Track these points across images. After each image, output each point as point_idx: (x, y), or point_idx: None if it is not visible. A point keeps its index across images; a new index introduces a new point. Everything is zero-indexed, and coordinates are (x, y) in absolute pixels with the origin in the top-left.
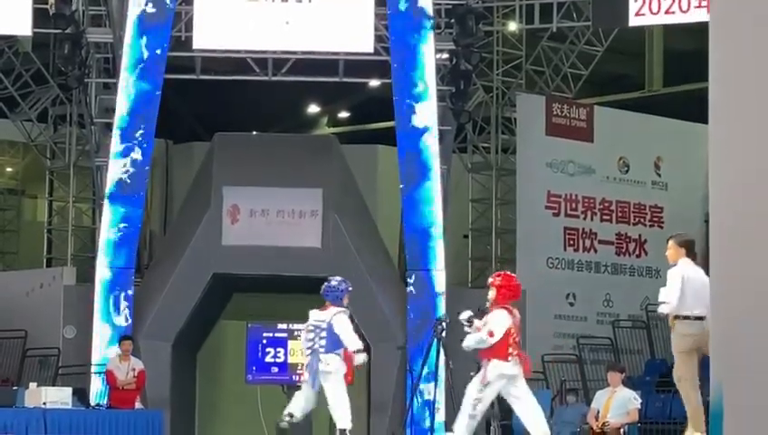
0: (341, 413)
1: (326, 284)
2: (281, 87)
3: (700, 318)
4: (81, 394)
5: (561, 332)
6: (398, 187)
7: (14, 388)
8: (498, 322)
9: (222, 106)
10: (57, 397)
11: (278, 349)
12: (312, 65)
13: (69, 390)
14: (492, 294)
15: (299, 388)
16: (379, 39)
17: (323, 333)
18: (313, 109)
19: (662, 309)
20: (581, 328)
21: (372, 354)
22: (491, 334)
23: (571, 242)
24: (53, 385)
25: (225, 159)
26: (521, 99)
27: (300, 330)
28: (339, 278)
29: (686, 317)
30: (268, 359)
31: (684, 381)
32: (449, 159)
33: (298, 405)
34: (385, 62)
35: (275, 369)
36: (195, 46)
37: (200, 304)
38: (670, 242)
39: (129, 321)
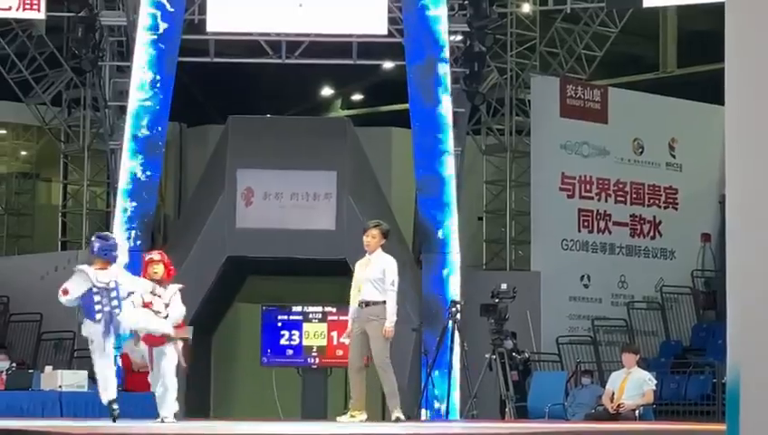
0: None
1: (101, 241)
2: (294, 70)
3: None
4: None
5: (576, 313)
6: (412, 169)
7: (30, 371)
8: None
9: (236, 89)
10: (73, 380)
11: (293, 332)
12: (325, 48)
13: (84, 373)
14: None
15: (314, 370)
16: (392, 21)
17: (113, 293)
18: (327, 91)
19: None
20: (596, 310)
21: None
22: None
23: (586, 224)
24: (69, 368)
25: (240, 142)
26: (535, 80)
27: (314, 313)
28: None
29: None
30: (283, 341)
31: None
32: (463, 140)
33: None
34: (398, 44)
35: (290, 351)
36: (208, 29)
37: (215, 287)
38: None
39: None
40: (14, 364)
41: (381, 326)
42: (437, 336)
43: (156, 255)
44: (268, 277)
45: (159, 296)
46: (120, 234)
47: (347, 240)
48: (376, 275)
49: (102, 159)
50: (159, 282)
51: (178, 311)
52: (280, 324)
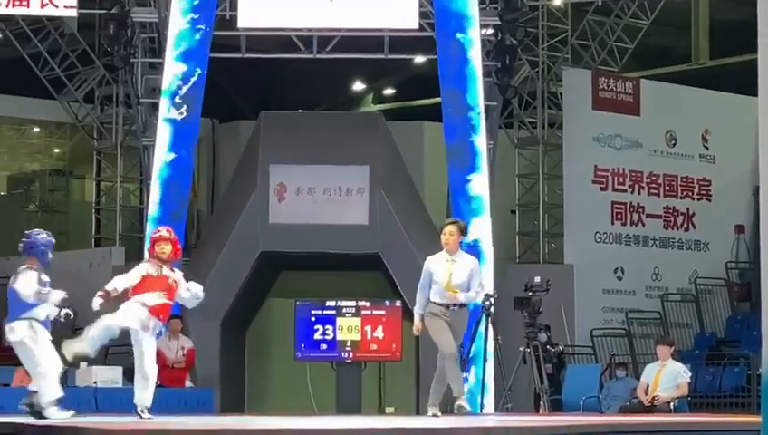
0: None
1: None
2: (326, 65)
3: None
4: (131, 373)
5: (610, 306)
6: (444, 162)
7: (66, 367)
8: None
9: (267, 84)
10: (107, 376)
11: (326, 326)
12: (356, 42)
13: (119, 369)
14: None
15: (348, 364)
16: (423, 15)
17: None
18: (359, 86)
19: None
20: (630, 302)
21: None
22: None
23: (619, 216)
24: (104, 365)
25: (272, 138)
26: (567, 73)
27: (348, 307)
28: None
29: None
30: (317, 336)
31: None
32: (496, 134)
33: None
34: (430, 38)
35: (324, 346)
36: (239, 25)
37: (248, 282)
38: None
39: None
40: None
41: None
42: (471, 330)
43: (164, 231)
44: (301, 272)
45: (170, 273)
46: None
47: (380, 235)
48: (463, 278)
49: (135, 156)
50: (165, 261)
51: (198, 286)
52: (314, 319)
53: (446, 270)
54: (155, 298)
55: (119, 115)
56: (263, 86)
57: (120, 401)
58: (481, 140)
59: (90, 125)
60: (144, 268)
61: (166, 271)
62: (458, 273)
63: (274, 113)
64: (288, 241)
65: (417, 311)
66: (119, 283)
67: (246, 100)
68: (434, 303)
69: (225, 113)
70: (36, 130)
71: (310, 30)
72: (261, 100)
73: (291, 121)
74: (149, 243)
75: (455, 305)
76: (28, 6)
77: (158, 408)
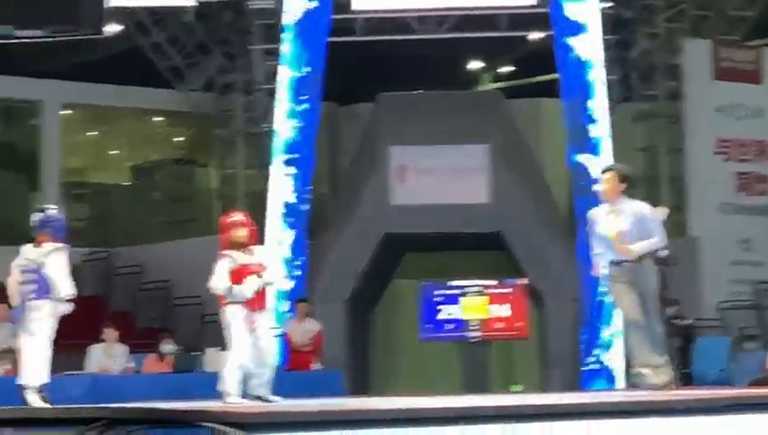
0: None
1: (43, 213)
2: (442, 44)
3: None
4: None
5: (738, 278)
6: (564, 138)
7: (195, 353)
8: None
9: (385, 66)
10: None
11: (451, 306)
12: (472, 20)
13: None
14: None
15: (474, 344)
16: None
17: (34, 276)
18: (475, 65)
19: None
20: (759, 273)
21: (545, 307)
22: None
23: (744, 186)
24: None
25: (391, 119)
26: (686, 44)
27: (472, 286)
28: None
29: None
30: (441, 316)
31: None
32: (615, 108)
33: None
34: (546, 14)
35: (449, 326)
36: (354, 8)
37: (372, 263)
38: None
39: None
40: (179, 347)
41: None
42: (595, 307)
43: (239, 216)
44: (425, 253)
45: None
46: (276, 215)
47: (502, 213)
48: (628, 227)
49: (257, 143)
50: (243, 245)
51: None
52: (438, 299)
53: (608, 222)
54: (247, 291)
55: (238, 102)
56: (380, 68)
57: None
58: (600, 128)
59: (210, 113)
60: (226, 264)
61: (245, 257)
62: (621, 223)
63: (393, 95)
64: (410, 222)
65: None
66: (224, 287)
67: (364, 82)
68: (611, 263)
69: (344, 96)
70: (158, 119)
71: (425, 10)
72: (379, 82)
73: (409, 102)
74: (222, 229)
75: (628, 261)
76: None
77: (285, 391)
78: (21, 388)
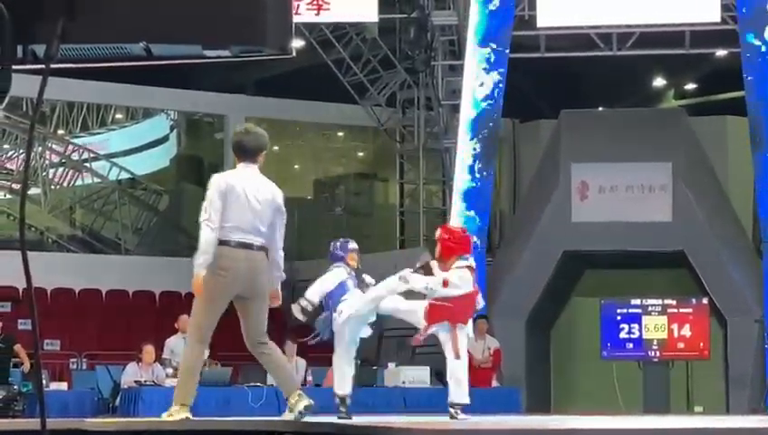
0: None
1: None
2: (625, 61)
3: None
4: (439, 374)
5: None
6: (749, 157)
7: (374, 368)
8: None
9: (567, 83)
10: (415, 376)
11: (632, 325)
12: (656, 38)
13: (427, 369)
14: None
15: (655, 363)
16: (725, 8)
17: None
18: (659, 82)
19: None
20: None
21: (728, 328)
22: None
23: None
24: (411, 365)
25: (573, 136)
26: None
27: (654, 305)
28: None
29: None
30: (623, 335)
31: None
32: None
33: None
34: (732, 31)
35: (630, 345)
36: (539, 24)
37: (552, 281)
38: None
39: (483, 302)
40: (359, 361)
41: None
42: None
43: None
44: (605, 271)
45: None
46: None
47: (684, 232)
48: None
49: (437, 158)
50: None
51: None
52: (619, 318)
53: None
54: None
55: (420, 118)
56: (562, 85)
57: (428, 400)
58: None
59: (392, 128)
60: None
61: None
62: None
63: (575, 112)
64: (591, 239)
65: None
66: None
67: (546, 99)
68: None
69: (525, 113)
70: (340, 134)
71: (609, 27)
72: (561, 98)
73: (591, 120)
74: (460, 242)
75: None
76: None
77: (466, 408)
78: None
